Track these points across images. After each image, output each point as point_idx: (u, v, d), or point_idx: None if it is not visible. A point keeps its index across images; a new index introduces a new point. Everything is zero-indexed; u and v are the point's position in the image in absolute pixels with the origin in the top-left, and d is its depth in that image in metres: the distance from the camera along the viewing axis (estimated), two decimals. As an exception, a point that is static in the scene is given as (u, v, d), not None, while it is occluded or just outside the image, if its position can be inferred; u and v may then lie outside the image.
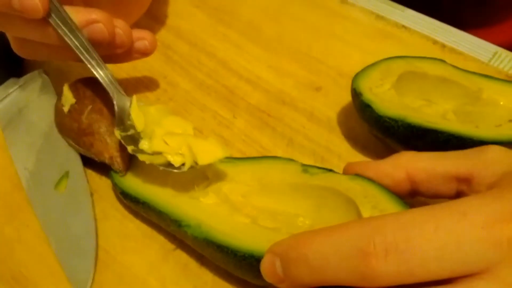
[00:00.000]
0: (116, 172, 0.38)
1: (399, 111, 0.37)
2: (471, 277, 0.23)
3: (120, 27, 0.38)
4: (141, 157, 0.35)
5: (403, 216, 0.25)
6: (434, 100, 0.41)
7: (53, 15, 0.35)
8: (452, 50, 0.48)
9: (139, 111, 0.37)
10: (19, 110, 0.43)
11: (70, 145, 0.39)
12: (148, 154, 0.35)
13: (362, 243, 0.24)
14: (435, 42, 0.49)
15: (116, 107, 0.37)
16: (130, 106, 0.37)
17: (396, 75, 0.40)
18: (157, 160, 0.35)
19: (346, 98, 0.44)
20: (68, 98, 0.38)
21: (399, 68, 0.40)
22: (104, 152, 0.37)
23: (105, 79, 0.37)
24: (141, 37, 0.41)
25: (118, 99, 0.37)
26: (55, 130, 0.40)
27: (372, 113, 0.37)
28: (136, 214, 0.39)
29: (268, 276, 0.28)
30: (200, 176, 0.37)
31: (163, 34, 0.51)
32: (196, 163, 0.35)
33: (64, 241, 0.36)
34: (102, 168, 0.40)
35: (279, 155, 0.40)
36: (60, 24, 0.35)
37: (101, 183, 0.40)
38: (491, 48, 0.49)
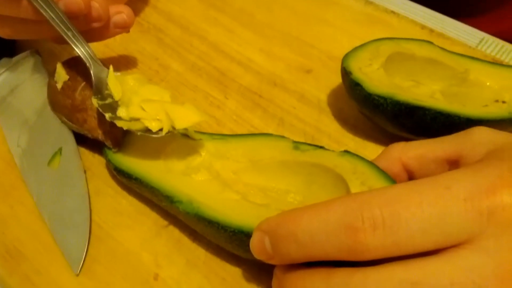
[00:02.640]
0: (109, 148, 0.38)
1: (388, 89, 0.38)
2: (455, 247, 0.24)
3: (97, 0, 0.38)
4: (119, 123, 0.36)
5: (389, 191, 0.25)
6: (422, 81, 0.42)
7: None
8: (440, 35, 0.49)
9: (116, 81, 0.38)
10: (11, 90, 0.43)
11: (63, 122, 0.40)
12: (126, 120, 0.36)
13: (350, 218, 0.25)
14: (423, 27, 0.50)
15: (93, 77, 0.38)
16: (107, 76, 0.38)
17: (384, 55, 0.40)
18: (135, 126, 0.36)
19: (336, 80, 0.45)
20: (61, 75, 0.39)
21: (388, 49, 0.41)
22: (97, 128, 0.38)
23: (82, 50, 0.38)
24: (119, 11, 0.41)
25: (95, 69, 0.38)
26: (48, 108, 0.41)
27: (362, 91, 0.38)
28: (129, 191, 0.39)
29: (257, 253, 0.29)
30: (192, 153, 0.37)
31: (155, 18, 0.52)
32: (173, 127, 0.36)
33: (58, 216, 0.37)
34: (95, 145, 0.40)
35: (270, 134, 0.41)
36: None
37: (94, 160, 0.41)
38: (478, 34, 0.50)
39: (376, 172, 0.33)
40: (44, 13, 0.36)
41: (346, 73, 0.39)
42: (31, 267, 0.36)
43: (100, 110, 0.36)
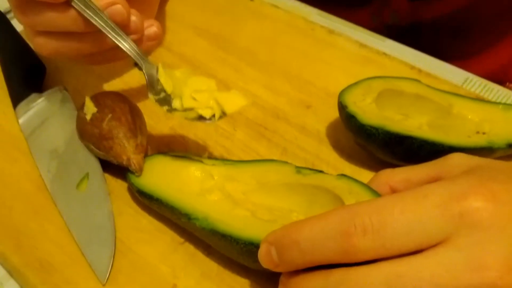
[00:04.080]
0: (132, 172, 0.42)
1: (379, 121, 0.43)
2: (434, 246, 0.29)
3: (133, 13, 0.41)
4: (175, 115, 0.40)
5: (377, 202, 0.30)
6: (410, 114, 0.47)
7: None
8: (428, 75, 0.54)
9: (166, 76, 0.42)
10: (41, 121, 0.48)
11: (90, 149, 0.44)
12: (181, 111, 0.41)
13: (344, 225, 0.29)
14: (412, 67, 0.55)
15: (146, 75, 0.41)
16: (157, 72, 0.42)
17: (376, 92, 0.46)
18: (190, 115, 0.41)
19: (333, 114, 0.50)
20: (90, 107, 0.44)
21: (380, 86, 0.46)
22: (122, 154, 0.42)
23: (132, 51, 0.41)
24: (150, 24, 0.43)
25: (146, 67, 0.42)
26: (75, 137, 0.45)
27: (356, 123, 0.43)
28: (148, 211, 0.43)
29: (265, 263, 0.33)
30: (206, 176, 0.42)
31: (169, 58, 0.57)
32: (224, 113, 0.41)
33: (86, 233, 0.41)
34: (117, 171, 0.45)
35: (274, 161, 0.46)
36: (83, 7, 0.39)
37: (117, 184, 0.45)
38: (463, 73, 0.56)
39: (369, 192, 0.37)
40: (94, 22, 0.39)
41: (342, 107, 0.44)
42: (62, 278, 0.40)
43: (158, 104, 0.40)
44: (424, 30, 0.69)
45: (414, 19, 0.69)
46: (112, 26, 0.40)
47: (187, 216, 0.39)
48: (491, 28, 0.71)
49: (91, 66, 0.55)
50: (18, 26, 0.56)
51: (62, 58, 0.45)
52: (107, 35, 0.40)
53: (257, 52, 0.57)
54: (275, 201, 0.41)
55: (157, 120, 0.50)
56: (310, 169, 0.41)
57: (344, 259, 0.30)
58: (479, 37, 0.72)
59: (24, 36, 0.54)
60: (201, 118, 0.41)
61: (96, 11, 0.39)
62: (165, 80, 0.42)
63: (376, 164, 0.46)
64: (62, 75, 0.55)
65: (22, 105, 0.49)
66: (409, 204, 0.29)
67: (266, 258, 0.33)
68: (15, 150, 0.48)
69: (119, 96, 0.46)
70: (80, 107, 0.45)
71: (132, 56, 0.41)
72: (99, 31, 0.40)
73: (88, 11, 0.39)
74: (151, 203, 0.42)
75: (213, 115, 0.41)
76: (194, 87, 0.42)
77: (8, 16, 0.56)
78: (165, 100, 0.41)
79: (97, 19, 0.39)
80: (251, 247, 0.36)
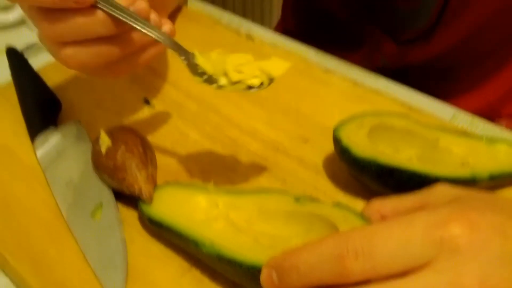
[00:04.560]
0: (143, 201, 0.46)
1: (372, 154, 0.46)
2: (418, 269, 0.32)
3: (153, 12, 0.43)
4: (226, 90, 0.43)
5: (368, 228, 0.34)
6: (400, 148, 0.50)
7: (100, 1, 0.40)
8: (417, 111, 0.58)
9: (204, 59, 0.45)
10: (58, 154, 0.52)
11: (104, 180, 0.48)
12: (230, 86, 0.44)
13: (338, 250, 0.33)
14: (402, 104, 0.59)
15: (185, 61, 0.44)
16: (194, 57, 0.45)
17: (368, 127, 0.49)
18: (239, 87, 0.44)
19: (329, 148, 0.53)
20: (105, 141, 0.47)
21: (371, 121, 0.50)
22: (134, 184, 0.46)
23: (168, 41, 0.43)
24: (164, 22, 0.45)
25: (185, 54, 0.44)
26: (90, 169, 0.49)
27: (350, 156, 0.47)
28: (158, 238, 0.47)
29: (266, 285, 0.36)
30: (211, 205, 0.45)
31: (176, 95, 0.61)
32: (271, 79, 0.44)
33: (100, 258, 0.44)
34: (129, 201, 0.48)
35: (275, 191, 0.49)
36: (110, 7, 0.40)
37: (128, 213, 0.49)
38: (451, 109, 0.60)
39: (362, 221, 0.41)
40: (124, 20, 0.40)
41: (337, 141, 0.48)
42: (78, 300, 0.43)
43: (207, 84, 0.43)
44: (413, 72, 0.73)
45: (403, 62, 0.74)
46: (142, 20, 0.41)
47: (195, 243, 0.43)
48: (476, 68, 0.75)
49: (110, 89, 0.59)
50: (34, 63, 0.60)
51: (89, 72, 0.45)
52: (139, 30, 0.41)
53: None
54: (276, 228, 0.44)
55: (164, 152, 0.54)
56: (308, 198, 0.44)
57: (339, 280, 0.33)
58: (465, 77, 0.76)
59: (40, 73, 0.58)
60: (250, 88, 0.43)
61: (122, 9, 0.40)
62: (203, 63, 0.44)
63: (369, 194, 0.49)
64: (76, 110, 0.59)
65: (39, 139, 0.53)
66: (396, 230, 0.33)
67: (267, 281, 0.36)
68: (33, 180, 0.51)
69: (130, 130, 0.49)
70: (95, 140, 0.49)
71: (170, 46, 0.43)
72: (127, 31, 0.42)
73: (116, 10, 0.40)
74: (161, 231, 0.45)
75: (261, 83, 0.44)
76: (234, 62, 0.45)
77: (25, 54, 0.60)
78: (211, 80, 0.44)
79: (126, 16, 0.41)
80: (254, 271, 0.39)
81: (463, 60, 0.75)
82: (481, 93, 0.78)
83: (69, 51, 0.42)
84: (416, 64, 0.74)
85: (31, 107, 0.56)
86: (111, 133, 0.48)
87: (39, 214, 0.49)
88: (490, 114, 0.77)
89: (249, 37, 0.70)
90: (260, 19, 1.33)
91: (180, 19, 0.74)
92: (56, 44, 0.42)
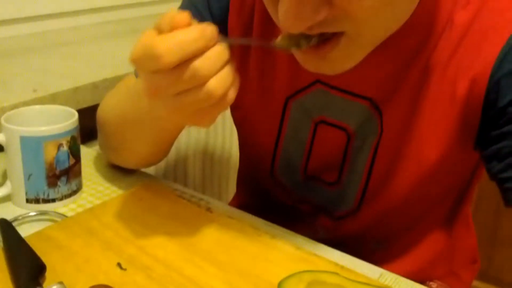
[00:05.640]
0: None
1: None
2: None
3: None
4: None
5: None
6: None
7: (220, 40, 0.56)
8: (349, 270, 0.70)
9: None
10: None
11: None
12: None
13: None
14: (336, 264, 0.71)
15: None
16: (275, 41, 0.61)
17: (306, 282, 0.60)
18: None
19: (276, 301, 0.63)
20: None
21: (308, 277, 0.61)
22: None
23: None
24: None
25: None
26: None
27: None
28: None
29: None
30: None
31: (145, 259, 0.71)
32: None
33: None
34: None
35: None
36: (228, 39, 0.56)
37: None
38: (378, 270, 0.71)
39: None
40: (243, 41, 0.58)
41: (281, 293, 0.59)
42: None
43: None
44: (349, 241, 0.83)
45: (339, 233, 0.86)
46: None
47: None
48: (405, 236, 0.87)
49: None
50: (21, 232, 0.70)
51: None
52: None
53: (216, 253, 0.72)
54: None
55: (135, 308, 0.63)
56: None
57: None
58: (396, 244, 0.87)
59: (27, 240, 0.68)
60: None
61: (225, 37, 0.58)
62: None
63: None
64: (59, 272, 0.68)
65: (26, 299, 0.61)
66: None
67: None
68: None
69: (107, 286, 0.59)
70: (78, 297, 0.58)
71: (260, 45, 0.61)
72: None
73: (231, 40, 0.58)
74: None
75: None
76: None
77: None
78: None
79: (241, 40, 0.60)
80: None
81: (391, 230, 0.86)
82: (412, 258, 0.88)
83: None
84: (350, 235, 0.86)
85: (19, 270, 0.65)
86: (93, 291, 0.58)
87: None
88: (423, 277, 0.88)
89: (209, 210, 0.83)
90: (218, 194, 1.48)
91: (149, 194, 0.87)
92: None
